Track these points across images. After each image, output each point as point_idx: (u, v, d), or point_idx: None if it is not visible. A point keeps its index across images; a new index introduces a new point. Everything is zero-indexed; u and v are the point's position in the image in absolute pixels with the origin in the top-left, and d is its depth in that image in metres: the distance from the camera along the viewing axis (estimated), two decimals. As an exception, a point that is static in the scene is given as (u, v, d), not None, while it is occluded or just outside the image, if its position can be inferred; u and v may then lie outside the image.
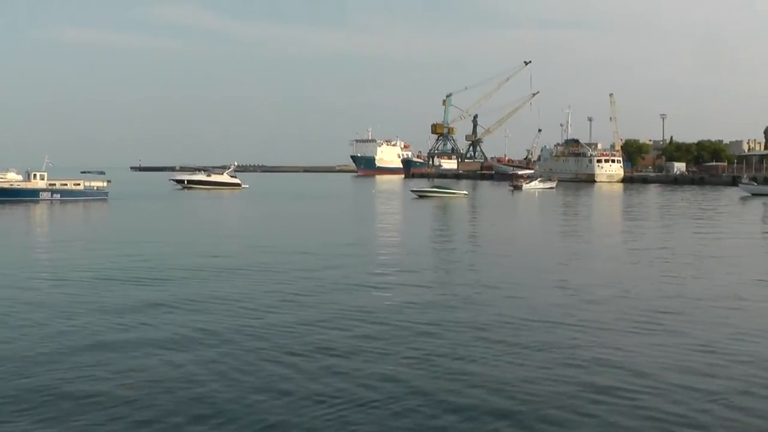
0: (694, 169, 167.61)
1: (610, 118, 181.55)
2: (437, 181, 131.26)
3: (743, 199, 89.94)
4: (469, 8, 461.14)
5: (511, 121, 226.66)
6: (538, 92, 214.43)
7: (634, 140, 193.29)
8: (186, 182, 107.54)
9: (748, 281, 26.21)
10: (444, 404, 12.36)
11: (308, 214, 63.18)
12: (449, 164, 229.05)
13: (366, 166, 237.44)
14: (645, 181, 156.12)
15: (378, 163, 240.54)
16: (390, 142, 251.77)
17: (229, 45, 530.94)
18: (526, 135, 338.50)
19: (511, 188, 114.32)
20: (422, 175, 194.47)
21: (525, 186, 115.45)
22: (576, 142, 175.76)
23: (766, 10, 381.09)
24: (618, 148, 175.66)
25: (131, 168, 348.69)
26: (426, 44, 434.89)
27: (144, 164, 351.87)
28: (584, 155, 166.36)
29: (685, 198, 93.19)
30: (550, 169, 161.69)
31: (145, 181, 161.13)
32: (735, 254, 34.45)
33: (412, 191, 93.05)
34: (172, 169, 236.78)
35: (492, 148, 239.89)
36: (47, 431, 11.17)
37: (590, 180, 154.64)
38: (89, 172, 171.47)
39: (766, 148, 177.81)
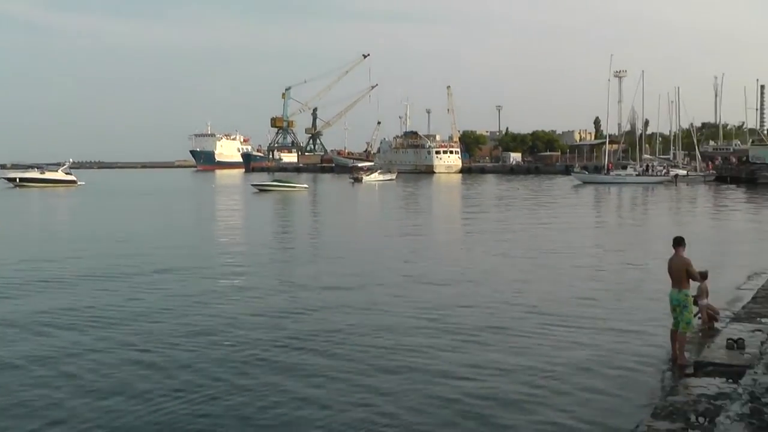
0: (529, 159, 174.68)
1: (448, 110, 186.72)
2: (278, 175, 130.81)
3: (576, 187, 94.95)
4: (306, 0, 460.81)
5: (350, 113, 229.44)
6: (377, 85, 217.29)
7: (472, 131, 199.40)
8: (18, 180, 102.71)
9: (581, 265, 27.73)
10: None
11: (145, 211, 61.52)
12: (289, 158, 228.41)
13: (205, 160, 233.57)
14: (483, 171, 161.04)
15: (218, 158, 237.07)
16: (230, 136, 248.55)
17: (52, 38, 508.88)
18: (365, 127, 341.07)
19: (352, 181, 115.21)
20: (262, 169, 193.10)
21: (365, 178, 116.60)
22: (415, 134, 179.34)
23: (592, 3, 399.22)
24: (456, 139, 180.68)
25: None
26: (264, 37, 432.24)
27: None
28: (423, 147, 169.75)
29: (522, 187, 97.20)
30: (390, 161, 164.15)
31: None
32: (569, 241, 36.17)
33: (252, 185, 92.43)
34: (3, 166, 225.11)
35: (332, 141, 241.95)
36: None
37: (429, 171, 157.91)
38: None
39: (596, 138, 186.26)
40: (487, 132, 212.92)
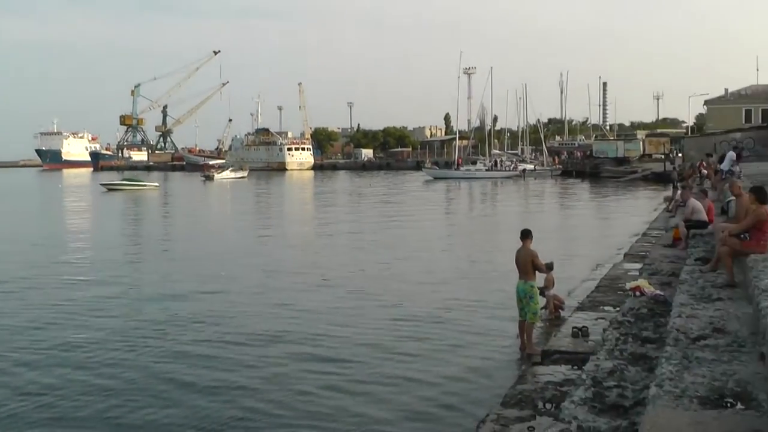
0: (381, 155, 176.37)
1: (300, 107, 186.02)
2: (127, 174, 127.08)
3: (427, 182, 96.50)
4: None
5: (201, 111, 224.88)
6: (227, 82, 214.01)
7: (324, 128, 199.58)
8: None
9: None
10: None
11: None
12: (139, 156, 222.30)
13: (52, 159, 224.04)
14: (335, 168, 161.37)
15: (65, 157, 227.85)
16: (77, 134, 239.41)
17: None
18: (217, 125, 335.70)
19: (203, 179, 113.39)
20: (111, 168, 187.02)
21: (217, 176, 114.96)
22: (266, 131, 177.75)
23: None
24: (308, 136, 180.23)
25: None
26: (113, 33, 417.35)
27: None
28: (275, 144, 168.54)
29: (374, 183, 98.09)
30: (242, 159, 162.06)
31: None
32: (420, 236, 36.79)
33: (101, 185, 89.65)
34: None
35: (183, 139, 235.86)
36: None
37: (281, 168, 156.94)
38: None
39: (446, 134, 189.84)
40: (338, 129, 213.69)
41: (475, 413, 11.06)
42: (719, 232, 13.89)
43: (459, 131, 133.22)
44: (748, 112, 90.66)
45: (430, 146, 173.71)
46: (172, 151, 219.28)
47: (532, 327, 14.51)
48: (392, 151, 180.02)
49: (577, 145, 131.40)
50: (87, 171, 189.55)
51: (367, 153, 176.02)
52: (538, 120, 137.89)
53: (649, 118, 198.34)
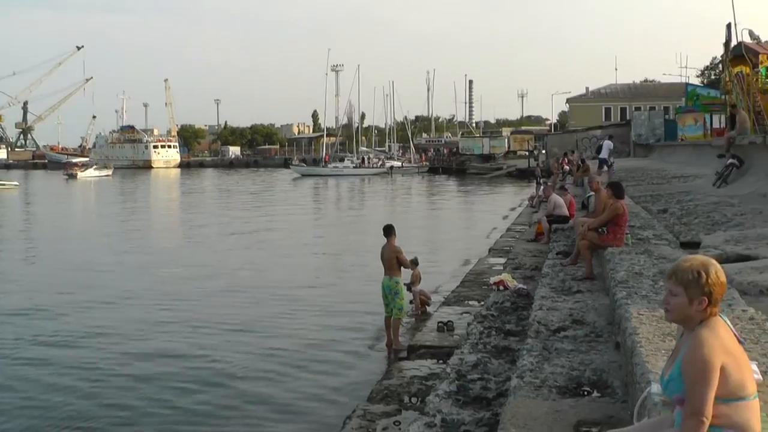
0: (248, 152, 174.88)
1: (166, 104, 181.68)
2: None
3: (295, 179, 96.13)
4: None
5: (64, 107, 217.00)
6: (91, 78, 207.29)
7: (190, 125, 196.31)
8: None
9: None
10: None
11: None
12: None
13: None
14: (202, 165, 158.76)
15: None
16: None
17: None
18: (80, 122, 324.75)
19: (66, 177, 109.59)
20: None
21: (80, 174, 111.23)
22: (132, 128, 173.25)
23: None
24: (174, 133, 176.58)
25: None
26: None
27: None
28: (140, 141, 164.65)
29: (241, 180, 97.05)
30: (106, 157, 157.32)
31: None
32: (287, 232, 36.63)
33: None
34: None
35: (45, 136, 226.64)
36: None
37: (147, 166, 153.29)
38: None
39: (314, 131, 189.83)
40: (206, 126, 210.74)
41: (341, 409, 11.04)
42: (578, 227, 14.31)
43: (327, 128, 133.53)
44: (607, 110, 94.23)
45: (297, 143, 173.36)
46: (33, 149, 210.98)
47: (398, 323, 14.59)
48: (260, 148, 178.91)
49: (443, 142, 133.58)
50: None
51: (234, 150, 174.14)
52: (406, 117, 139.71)
53: (514, 115, 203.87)
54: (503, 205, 49.40)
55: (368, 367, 13.48)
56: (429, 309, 16.76)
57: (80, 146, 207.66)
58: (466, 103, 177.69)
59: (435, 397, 8.67)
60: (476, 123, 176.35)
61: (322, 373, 13.30)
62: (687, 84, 62.99)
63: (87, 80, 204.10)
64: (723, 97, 38.25)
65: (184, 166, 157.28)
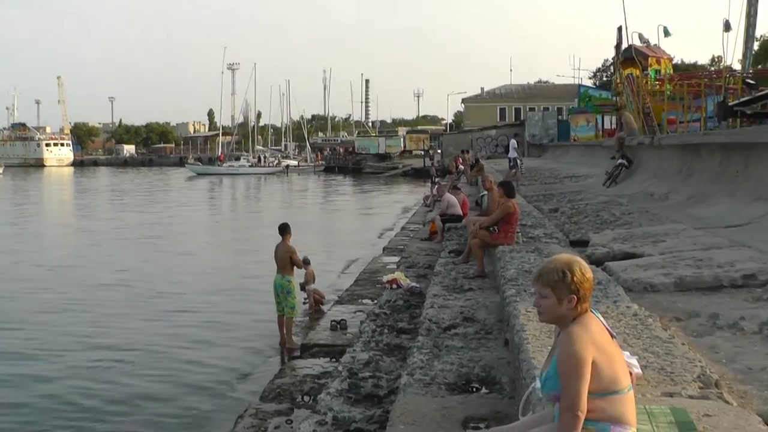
0: (143, 151, 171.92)
1: (59, 101, 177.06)
2: None
3: (190, 178, 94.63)
4: None
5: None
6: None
7: (84, 123, 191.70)
8: None
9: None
10: None
11: None
12: None
13: None
14: (96, 164, 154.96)
15: None
16: None
17: None
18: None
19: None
20: None
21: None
22: (23, 125, 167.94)
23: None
24: (67, 131, 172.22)
25: None
26: None
27: None
28: (32, 139, 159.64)
29: (136, 179, 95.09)
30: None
31: None
32: (182, 231, 36.07)
33: None
34: None
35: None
36: None
37: (40, 164, 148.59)
38: None
39: (210, 130, 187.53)
40: (100, 124, 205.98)
41: (233, 408, 10.91)
42: (470, 225, 14.48)
43: (223, 127, 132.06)
44: (502, 110, 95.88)
45: (193, 142, 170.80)
46: None
47: (290, 321, 14.50)
48: (155, 147, 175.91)
49: (340, 141, 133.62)
50: None
51: (129, 149, 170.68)
52: (302, 116, 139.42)
53: (410, 115, 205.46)
54: (398, 204, 49.67)
55: (261, 366, 13.34)
56: (323, 308, 16.73)
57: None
58: (362, 102, 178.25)
59: (327, 395, 8.63)
60: (372, 122, 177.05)
61: (214, 372, 13.11)
62: (580, 85, 64.63)
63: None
64: (614, 98, 39.29)
65: (77, 164, 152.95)
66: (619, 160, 25.95)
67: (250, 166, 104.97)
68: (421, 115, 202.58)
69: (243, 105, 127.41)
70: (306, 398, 10.05)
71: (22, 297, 19.91)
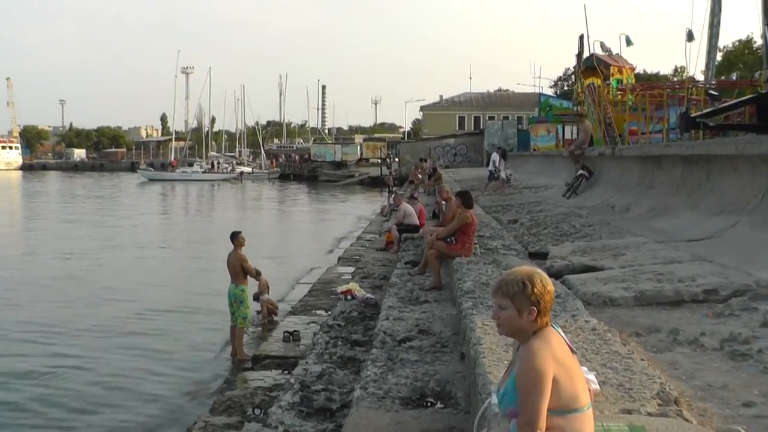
0: (94, 155, 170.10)
1: (8, 104, 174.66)
2: None
3: (142, 184, 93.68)
4: None
5: None
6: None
7: (33, 126, 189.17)
8: None
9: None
10: None
11: None
12: None
13: None
14: (45, 168, 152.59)
15: None
16: None
17: None
18: None
19: None
20: None
21: None
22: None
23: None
24: (16, 134, 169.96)
25: None
26: None
27: None
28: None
29: (87, 184, 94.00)
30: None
31: None
32: (134, 239, 35.68)
33: None
34: None
35: None
36: None
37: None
38: None
39: (163, 135, 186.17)
40: (50, 127, 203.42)
41: (183, 421, 10.76)
42: (427, 236, 14.44)
43: (176, 132, 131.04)
44: (461, 119, 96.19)
45: (145, 147, 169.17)
46: None
47: (242, 332, 14.34)
48: (106, 151, 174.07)
49: (295, 148, 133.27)
50: None
51: (79, 153, 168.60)
52: (257, 122, 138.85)
53: (367, 122, 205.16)
54: (354, 213, 49.58)
55: (211, 378, 13.17)
56: (276, 318, 16.60)
57: None
58: (318, 108, 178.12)
59: (278, 408, 8.52)
60: (329, 129, 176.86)
61: (163, 383, 12.93)
62: (540, 94, 64.77)
63: None
64: (575, 108, 39.44)
65: (26, 168, 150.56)
66: (579, 171, 26.08)
67: (203, 172, 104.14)
68: (378, 122, 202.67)
69: (197, 110, 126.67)
70: (257, 411, 9.90)
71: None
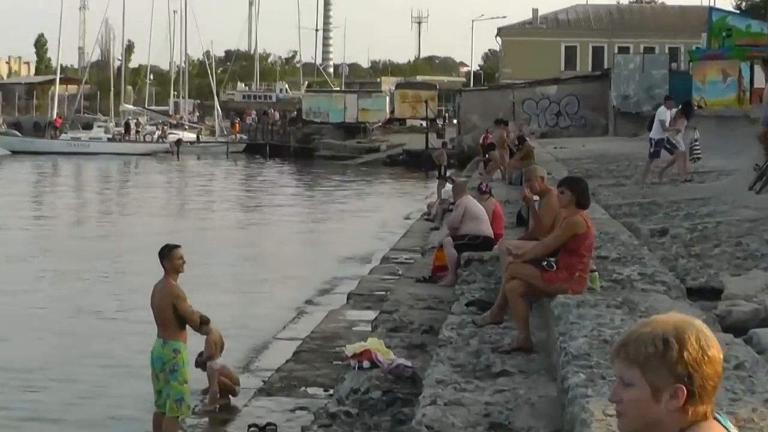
0: None
1: None
2: None
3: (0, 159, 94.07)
4: None
5: None
6: None
7: None
8: None
9: None
10: None
11: None
12: None
13: None
14: None
15: None
16: None
17: None
18: None
19: None
20: None
21: None
22: None
23: None
24: None
25: None
26: None
27: None
28: None
29: None
30: None
31: None
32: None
33: None
34: None
35: None
36: None
37: None
38: None
39: (38, 73, 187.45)
40: None
41: None
42: (505, 255, 14.44)
43: (62, 68, 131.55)
44: (570, 50, 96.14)
45: (7, 93, 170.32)
46: None
47: (176, 425, 14.41)
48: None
49: (275, 99, 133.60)
50: None
51: None
52: (209, 53, 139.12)
53: (404, 55, 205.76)
54: (378, 215, 49.78)
55: None
56: (234, 400, 16.68)
57: None
58: (317, 30, 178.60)
59: None
60: (335, 67, 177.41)
61: None
62: (711, 9, 64.26)
63: None
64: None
65: None
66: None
67: (110, 140, 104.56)
68: (423, 55, 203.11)
69: (102, 29, 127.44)
70: None
71: None
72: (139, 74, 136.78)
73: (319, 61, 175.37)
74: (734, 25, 55.43)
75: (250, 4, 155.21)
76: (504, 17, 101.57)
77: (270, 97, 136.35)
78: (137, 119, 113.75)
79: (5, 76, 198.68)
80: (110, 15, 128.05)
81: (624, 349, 3.74)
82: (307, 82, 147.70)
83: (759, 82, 45.50)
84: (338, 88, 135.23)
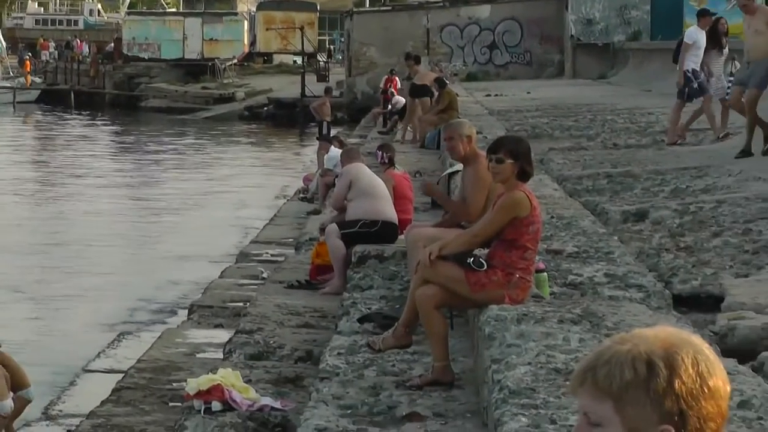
0: None
1: None
2: None
3: None
4: None
5: None
6: None
7: None
8: None
9: None
10: None
11: None
12: None
13: None
14: None
15: None
16: None
17: None
18: None
19: None
20: None
21: None
22: None
23: None
24: None
25: None
26: None
27: None
28: None
29: None
30: None
31: None
32: None
33: None
34: None
35: None
36: None
37: None
38: None
39: None
40: None
41: None
42: (419, 248, 14.43)
43: None
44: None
45: None
46: None
47: None
48: None
49: (81, 24, 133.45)
50: None
51: None
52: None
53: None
54: (234, 194, 49.93)
55: None
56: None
57: None
58: None
59: None
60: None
61: None
62: None
63: None
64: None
65: None
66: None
67: None
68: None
69: None
70: None
71: None
72: None
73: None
74: None
75: None
76: None
77: (75, 23, 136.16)
78: None
79: None
80: None
81: (591, 375, 3.46)
82: (129, 0, 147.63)
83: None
84: (174, 9, 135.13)
